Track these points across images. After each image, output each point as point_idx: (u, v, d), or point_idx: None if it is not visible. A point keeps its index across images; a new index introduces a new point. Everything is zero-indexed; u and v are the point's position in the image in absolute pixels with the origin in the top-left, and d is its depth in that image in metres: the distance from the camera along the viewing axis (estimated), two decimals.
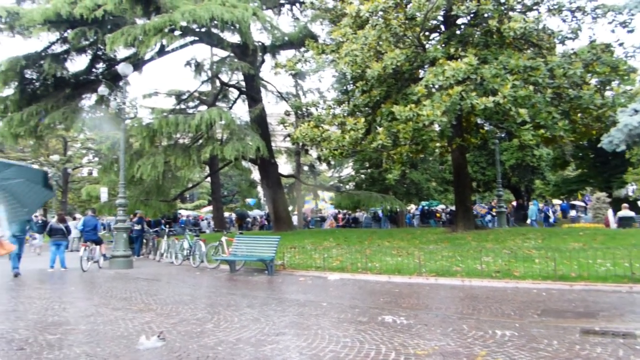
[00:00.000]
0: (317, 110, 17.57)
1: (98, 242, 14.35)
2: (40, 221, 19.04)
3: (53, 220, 15.79)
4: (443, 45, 13.87)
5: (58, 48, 20.12)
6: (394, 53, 12.44)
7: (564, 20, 14.37)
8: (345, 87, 16.57)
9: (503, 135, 21.97)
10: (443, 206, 34.99)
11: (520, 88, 11.63)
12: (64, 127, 22.21)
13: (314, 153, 26.28)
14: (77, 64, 21.10)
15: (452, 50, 12.94)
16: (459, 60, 11.75)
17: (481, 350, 4.75)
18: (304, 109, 18.86)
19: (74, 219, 21.71)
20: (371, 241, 15.13)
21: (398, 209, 25.37)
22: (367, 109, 15.35)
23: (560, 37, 14.28)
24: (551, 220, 24.93)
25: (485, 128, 17.67)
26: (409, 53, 13.29)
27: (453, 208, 26.40)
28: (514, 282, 8.76)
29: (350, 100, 15.89)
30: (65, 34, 18.81)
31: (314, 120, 15.46)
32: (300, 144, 17.72)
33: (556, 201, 35.37)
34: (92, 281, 11.14)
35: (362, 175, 31.18)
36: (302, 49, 18.63)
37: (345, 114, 15.33)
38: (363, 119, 13.87)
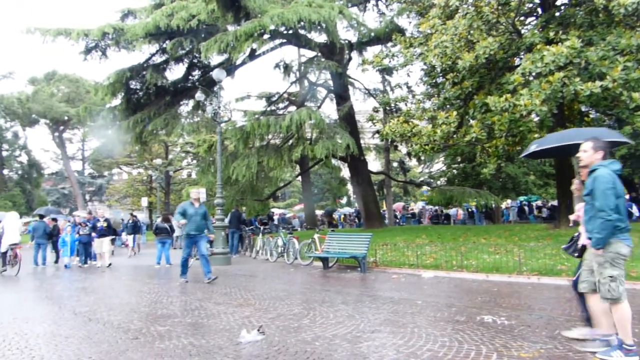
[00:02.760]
0: (406, 105, 17.31)
1: None
2: (131, 222, 20.17)
3: (158, 220, 17.03)
4: (541, 29, 13.02)
5: (158, 59, 21.70)
6: (486, 41, 11.90)
7: None
8: (435, 80, 16.11)
9: (612, 122, 20.19)
10: (539, 201, 32.97)
11: (634, 70, 10.54)
12: (165, 133, 23.89)
13: (403, 149, 25.97)
14: (175, 72, 22.61)
15: (551, 34, 12.10)
16: (560, 44, 10.96)
17: (594, 356, 4.37)
18: (392, 105, 18.66)
19: None
20: (466, 238, 14.60)
21: (494, 205, 24.32)
22: (458, 101, 14.85)
23: None
24: (634, 217, 22.44)
25: (591, 116, 16.35)
26: (503, 40, 12.66)
27: (554, 203, 24.72)
28: (631, 283, 7.97)
29: (440, 94, 15.44)
30: (164, 45, 20.26)
31: (403, 116, 15.22)
32: (390, 140, 17.53)
33: None
34: (194, 277, 11.80)
35: (454, 170, 30.23)
36: (389, 44, 18.40)
37: (436, 108, 14.94)
38: (455, 112, 13.44)
